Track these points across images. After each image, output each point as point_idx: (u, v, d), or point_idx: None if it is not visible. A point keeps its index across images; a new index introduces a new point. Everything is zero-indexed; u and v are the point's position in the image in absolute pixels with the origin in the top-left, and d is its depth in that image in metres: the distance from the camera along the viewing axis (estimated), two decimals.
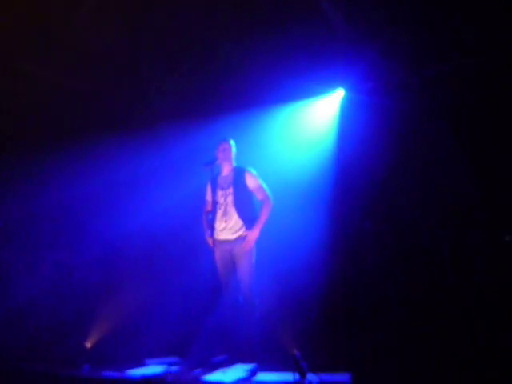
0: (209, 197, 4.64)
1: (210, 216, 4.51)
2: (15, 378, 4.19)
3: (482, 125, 4.48)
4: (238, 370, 3.99)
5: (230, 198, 4.49)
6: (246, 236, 4.40)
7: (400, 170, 4.89)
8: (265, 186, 4.53)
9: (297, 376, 3.49)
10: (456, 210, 4.70)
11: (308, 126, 5.50)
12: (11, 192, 4.98)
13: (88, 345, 4.57)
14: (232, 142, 4.67)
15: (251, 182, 4.51)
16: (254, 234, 4.38)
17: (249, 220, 4.44)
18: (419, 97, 4.69)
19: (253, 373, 3.91)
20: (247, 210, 4.47)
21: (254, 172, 4.57)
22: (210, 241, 4.50)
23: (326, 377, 3.60)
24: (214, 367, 4.07)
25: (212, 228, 4.46)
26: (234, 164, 4.68)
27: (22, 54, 4.85)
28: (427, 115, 4.68)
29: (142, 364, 4.36)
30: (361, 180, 5.02)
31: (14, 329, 4.68)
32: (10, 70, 4.77)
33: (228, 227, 4.46)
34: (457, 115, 4.57)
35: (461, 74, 4.51)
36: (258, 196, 4.49)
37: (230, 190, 4.52)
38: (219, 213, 4.51)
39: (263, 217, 4.43)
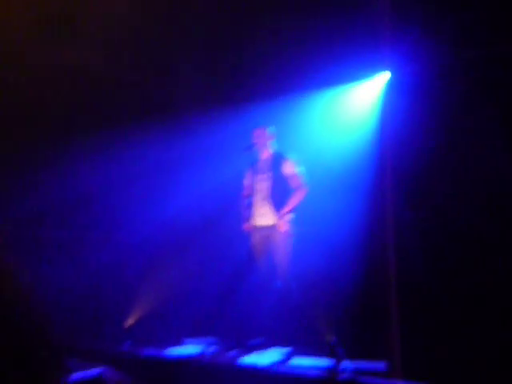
0: (247, 182, 4.66)
1: (248, 201, 4.54)
2: (63, 353, 4.37)
3: None
4: (274, 354, 4.03)
5: (268, 184, 4.50)
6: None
7: (445, 157, 4.74)
8: (302, 173, 4.49)
9: (332, 361, 3.50)
10: (504, 199, 4.53)
11: (350, 111, 5.40)
12: (51, 175, 5.13)
13: (130, 323, 4.73)
14: (268, 128, 4.65)
15: (288, 168, 4.49)
16: (282, 219, 4.37)
17: (282, 207, 4.43)
18: (467, 80, 4.51)
19: (288, 356, 3.95)
20: (282, 196, 4.46)
21: (293, 158, 4.55)
22: (246, 226, 4.53)
23: (361, 363, 3.59)
24: (250, 349, 4.14)
25: (250, 213, 4.50)
26: (274, 149, 4.67)
27: (49, 40, 4.92)
28: (475, 100, 4.50)
29: (179, 343, 4.47)
30: (403, 167, 4.90)
31: (61, 309, 4.87)
32: (39, 56, 4.86)
33: (265, 213, 4.48)
34: (507, 100, 4.38)
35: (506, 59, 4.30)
36: (291, 183, 4.46)
37: (268, 176, 4.52)
38: (257, 198, 4.53)
39: (292, 202, 4.40)
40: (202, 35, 5.05)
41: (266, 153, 4.63)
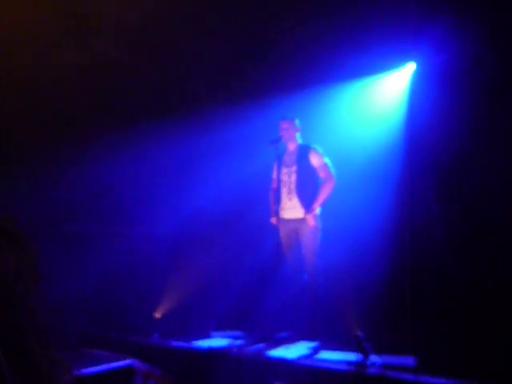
0: (275, 174, 4.65)
1: (276, 194, 4.53)
2: (92, 343, 4.47)
3: None
4: (301, 347, 4.03)
5: (295, 176, 4.48)
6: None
7: (473, 150, 4.64)
8: (330, 164, 4.47)
9: (360, 356, 3.48)
10: None
11: (377, 102, 5.33)
12: (78, 168, 5.21)
13: (158, 316, 4.79)
14: (294, 120, 4.62)
15: (315, 159, 4.46)
16: (313, 212, 4.35)
17: (309, 200, 4.40)
18: (498, 70, 4.40)
19: (316, 351, 3.94)
20: (309, 189, 4.43)
21: (319, 149, 4.52)
22: (274, 220, 4.53)
23: (389, 359, 3.56)
24: (277, 343, 4.14)
25: (277, 206, 4.49)
26: (300, 141, 4.64)
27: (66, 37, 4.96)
28: (504, 90, 4.38)
29: (207, 336, 4.51)
30: (431, 159, 4.82)
31: (90, 299, 4.97)
32: (54, 54, 4.90)
33: (293, 206, 4.46)
34: None
35: None
36: (321, 174, 4.44)
37: (295, 168, 4.50)
38: (284, 191, 4.51)
39: (323, 195, 4.38)
40: (224, 26, 5.03)
41: (293, 145, 4.61)
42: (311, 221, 4.34)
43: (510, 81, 4.35)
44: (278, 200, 4.50)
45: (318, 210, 4.39)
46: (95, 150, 5.26)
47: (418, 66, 4.98)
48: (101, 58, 5.13)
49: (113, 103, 5.57)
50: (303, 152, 4.53)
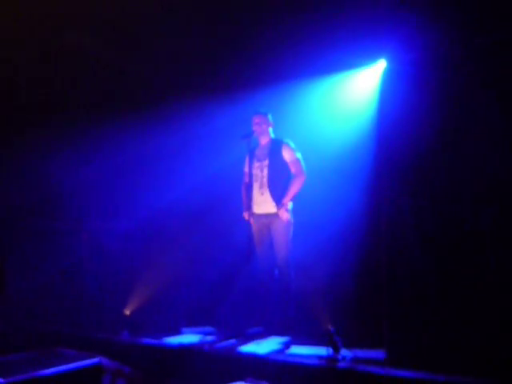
0: (246, 168, 4.63)
1: (247, 188, 4.52)
2: (59, 341, 4.37)
3: None
4: (272, 343, 4.03)
5: (266, 171, 4.48)
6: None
7: (442, 145, 4.72)
8: (301, 159, 4.48)
9: (330, 351, 3.50)
10: (501, 186, 4.53)
11: (348, 99, 5.37)
12: (42, 164, 5.11)
13: (127, 312, 4.72)
14: (267, 114, 4.62)
15: (287, 154, 4.46)
16: (283, 207, 4.35)
17: (281, 194, 4.40)
18: (465, 69, 4.49)
19: (286, 345, 3.95)
20: (280, 183, 4.43)
21: (291, 144, 4.52)
22: (246, 215, 4.52)
23: (359, 352, 3.60)
24: (248, 338, 4.14)
25: (249, 200, 4.48)
26: (272, 136, 4.64)
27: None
28: (473, 89, 4.48)
29: (178, 332, 4.47)
30: (401, 154, 4.89)
31: (57, 296, 4.87)
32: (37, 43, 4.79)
33: (264, 200, 4.45)
34: (505, 89, 4.36)
35: (510, 46, 4.27)
36: (292, 169, 4.45)
37: (267, 162, 4.49)
38: (256, 185, 4.50)
39: (292, 190, 4.39)
40: (195, 21, 4.98)
41: (265, 139, 4.60)
42: (283, 215, 4.35)
43: (478, 79, 4.44)
44: (249, 194, 4.49)
45: (289, 204, 4.39)
46: (60, 146, 5.16)
47: (388, 63, 5.03)
48: (75, 47, 5.02)
49: (81, 97, 5.46)
50: (275, 146, 4.52)
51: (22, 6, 4.48)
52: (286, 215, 4.36)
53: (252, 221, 4.51)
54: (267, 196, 4.44)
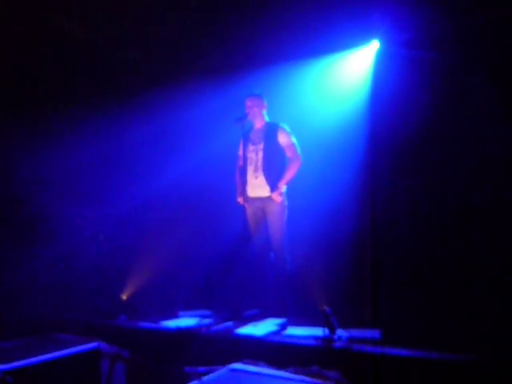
0: (241, 152, 4.62)
1: (242, 172, 4.51)
2: (56, 326, 4.40)
3: None
4: (269, 324, 4.07)
5: (261, 154, 4.47)
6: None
7: (436, 126, 4.73)
8: (296, 143, 4.48)
9: (327, 331, 3.55)
10: (493, 167, 4.55)
11: (341, 80, 5.35)
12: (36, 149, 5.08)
13: (124, 297, 4.74)
14: (260, 97, 4.59)
15: (283, 138, 4.45)
16: (278, 190, 4.36)
17: (275, 178, 4.40)
18: (458, 49, 4.47)
19: (283, 327, 3.99)
20: (275, 167, 4.43)
21: (286, 128, 4.51)
22: (240, 199, 4.52)
23: (355, 332, 3.65)
24: (245, 321, 4.17)
25: (244, 184, 4.48)
26: (267, 119, 4.62)
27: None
28: (466, 68, 4.47)
29: (175, 316, 4.50)
30: (394, 135, 4.89)
31: (55, 280, 4.88)
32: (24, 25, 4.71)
33: (259, 184, 4.45)
34: (498, 69, 4.35)
35: (503, 25, 4.25)
36: (288, 153, 4.44)
37: (262, 146, 4.48)
38: (250, 168, 4.49)
39: (289, 174, 4.39)
40: (185, 4, 4.91)
41: (260, 122, 4.58)
42: (277, 198, 4.35)
43: (471, 59, 4.43)
44: (243, 178, 4.49)
45: (283, 188, 4.40)
46: (52, 133, 5.11)
47: (381, 44, 5.01)
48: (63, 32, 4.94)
49: (68, 83, 5.40)
50: (271, 130, 4.50)
51: None
52: (279, 198, 4.36)
53: (246, 205, 4.51)
54: (261, 180, 4.44)
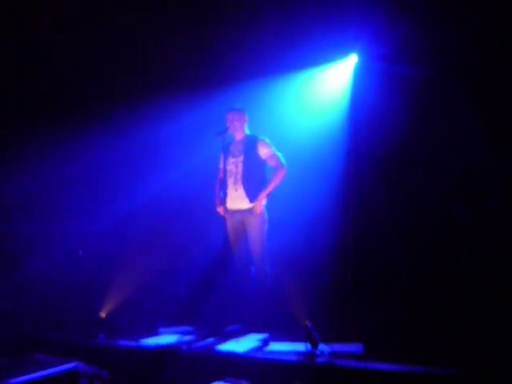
0: (221, 164, 4.60)
1: (222, 184, 4.49)
2: (33, 346, 4.28)
3: (502, 93, 4.34)
4: (251, 340, 4.03)
5: (241, 167, 4.45)
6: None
7: (413, 138, 4.79)
8: (278, 153, 4.47)
9: (309, 346, 3.52)
10: (471, 179, 4.62)
11: (321, 93, 5.39)
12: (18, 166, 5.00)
13: (103, 315, 4.65)
14: (241, 111, 4.59)
15: (264, 150, 4.45)
16: (260, 198, 4.34)
17: (255, 190, 4.39)
18: (435, 63, 4.55)
19: (265, 343, 3.95)
20: (255, 179, 4.42)
21: (267, 140, 4.51)
22: (220, 209, 4.50)
23: (338, 347, 3.62)
24: (226, 336, 4.12)
25: (224, 196, 4.45)
26: (247, 132, 4.62)
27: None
28: (443, 82, 4.54)
29: (155, 333, 4.42)
30: (373, 147, 4.94)
31: (31, 298, 4.76)
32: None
33: (238, 196, 4.43)
34: (474, 83, 4.43)
35: (477, 38, 4.34)
36: (271, 162, 4.44)
37: (242, 158, 4.47)
38: (230, 181, 4.47)
39: (273, 183, 4.39)
40: (168, 19, 4.91)
41: (240, 135, 4.58)
42: (258, 208, 4.33)
43: (447, 73, 4.50)
44: (224, 190, 4.46)
45: (264, 198, 4.38)
46: (37, 146, 5.04)
47: (359, 57, 5.06)
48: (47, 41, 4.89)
49: (55, 97, 5.35)
50: (251, 142, 4.50)
51: None
52: (259, 208, 4.34)
53: (226, 217, 4.48)
54: (241, 192, 4.42)
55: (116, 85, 5.63)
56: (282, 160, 4.45)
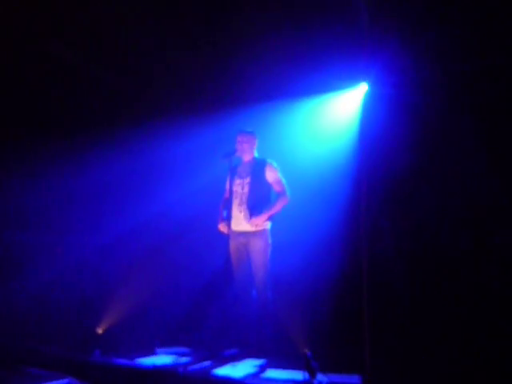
0: (228, 185, 4.60)
1: (226, 203, 4.48)
2: (26, 359, 4.23)
3: (509, 125, 4.33)
4: (248, 365, 3.96)
5: (247, 188, 4.45)
6: (262, 230, 4.36)
7: (422, 168, 4.77)
8: (284, 180, 4.49)
9: (306, 375, 3.45)
10: (479, 210, 4.57)
11: (330, 121, 5.41)
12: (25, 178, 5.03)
13: (99, 331, 4.60)
14: (253, 134, 4.62)
15: (271, 174, 4.47)
16: (260, 218, 4.32)
17: (259, 212, 4.37)
18: (445, 94, 4.55)
19: (262, 369, 3.88)
20: (260, 202, 4.41)
21: (274, 164, 4.53)
22: (222, 227, 4.47)
23: (335, 377, 3.55)
24: (224, 360, 4.05)
25: (227, 216, 4.43)
26: (256, 154, 4.63)
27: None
28: (453, 113, 4.54)
29: (152, 353, 4.36)
30: (381, 176, 4.91)
31: (24, 312, 4.73)
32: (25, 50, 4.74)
33: (242, 218, 4.41)
34: (483, 114, 4.43)
35: (488, 73, 4.35)
36: (276, 188, 4.46)
37: (248, 180, 4.47)
38: (235, 202, 4.46)
39: (276, 207, 4.39)
40: (179, 39, 4.98)
41: (248, 157, 4.59)
42: (254, 223, 4.30)
43: (457, 103, 4.51)
44: (228, 211, 4.45)
45: (265, 219, 4.35)
46: (47, 158, 5.09)
47: (369, 86, 5.08)
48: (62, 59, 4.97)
49: (67, 110, 5.42)
50: (259, 165, 4.52)
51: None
52: (256, 223, 4.31)
53: (230, 238, 4.45)
54: (245, 213, 4.41)
55: (126, 102, 5.68)
56: (287, 188, 4.46)
